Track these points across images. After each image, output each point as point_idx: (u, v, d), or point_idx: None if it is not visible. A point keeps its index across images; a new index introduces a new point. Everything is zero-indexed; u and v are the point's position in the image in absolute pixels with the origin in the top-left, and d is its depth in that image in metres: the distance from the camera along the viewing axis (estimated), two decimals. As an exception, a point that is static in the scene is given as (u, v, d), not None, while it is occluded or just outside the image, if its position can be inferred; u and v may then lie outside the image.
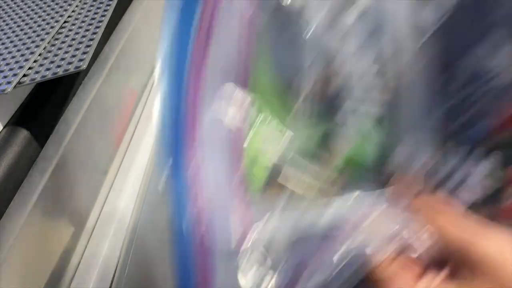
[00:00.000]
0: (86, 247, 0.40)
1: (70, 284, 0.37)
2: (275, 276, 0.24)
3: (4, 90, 0.32)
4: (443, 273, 0.21)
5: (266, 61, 0.25)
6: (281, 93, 0.25)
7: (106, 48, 0.44)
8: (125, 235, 0.40)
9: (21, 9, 0.44)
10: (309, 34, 0.25)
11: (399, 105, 0.25)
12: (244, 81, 0.23)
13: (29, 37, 0.39)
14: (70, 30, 0.40)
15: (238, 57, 0.23)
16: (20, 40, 0.39)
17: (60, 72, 0.34)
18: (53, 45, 0.38)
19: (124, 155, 0.48)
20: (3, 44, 0.39)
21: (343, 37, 0.24)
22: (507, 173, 0.25)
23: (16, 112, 0.35)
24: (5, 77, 0.34)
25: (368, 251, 0.22)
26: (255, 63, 0.24)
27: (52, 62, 0.36)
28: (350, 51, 0.24)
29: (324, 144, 0.25)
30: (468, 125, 0.26)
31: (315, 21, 0.25)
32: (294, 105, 0.24)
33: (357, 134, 0.26)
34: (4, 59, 0.37)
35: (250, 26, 0.24)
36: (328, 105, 0.25)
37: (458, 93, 0.26)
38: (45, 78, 0.34)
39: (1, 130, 0.33)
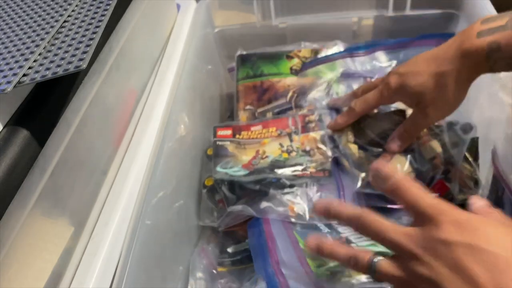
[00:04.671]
0: (86, 247, 0.40)
1: (70, 284, 0.37)
2: None
3: (4, 90, 0.32)
4: None
5: (301, 238, 0.46)
6: None
7: (106, 48, 0.44)
8: (125, 235, 0.40)
9: (21, 8, 0.44)
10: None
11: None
12: (297, 247, 0.45)
13: (29, 37, 0.39)
14: (70, 29, 0.40)
15: (291, 243, 0.45)
16: (20, 39, 0.39)
17: (60, 71, 0.34)
18: (53, 45, 0.38)
19: (124, 155, 0.48)
20: (3, 43, 0.39)
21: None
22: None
23: (16, 112, 0.35)
24: (5, 76, 0.34)
25: None
26: (298, 241, 0.45)
27: (52, 61, 0.36)
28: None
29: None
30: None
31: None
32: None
33: None
34: (4, 59, 0.37)
35: (289, 230, 0.47)
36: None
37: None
38: (45, 77, 0.34)
39: (1, 130, 0.33)
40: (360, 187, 0.49)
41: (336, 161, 0.52)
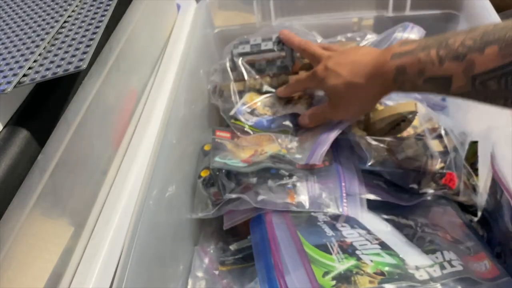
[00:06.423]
0: (86, 247, 0.40)
1: (70, 284, 0.37)
2: None
3: (4, 90, 0.32)
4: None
5: (305, 239, 0.45)
6: (319, 248, 0.44)
7: (106, 48, 0.44)
8: (125, 235, 0.40)
9: (21, 9, 0.44)
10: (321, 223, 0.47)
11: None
12: (301, 250, 0.43)
13: (29, 37, 0.39)
14: (70, 30, 0.40)
15: (295, 245, 0.44)
16: (20, 40, 0.39)
17: (60, 72, 0.34)
18: (53, 45, 0.38)
19: (124, 155, 0.48)
20: (3, 44, 0.39)
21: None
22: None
23: (16, 112, 0.35)
24: (5, 77, 0.34)
25: None
26: (302, 242, 0.44)
27: (52, 62, 0.36)
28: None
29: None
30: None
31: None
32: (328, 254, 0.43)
33: None
34: (4, 59, 0.37)
35: (292, 230, 0.46)
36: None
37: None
38: (45, 78, 0.34)
39: (1, 130, 0.33)
40: (371, 165, 0.51)
41: (336, 149, 0.53)
